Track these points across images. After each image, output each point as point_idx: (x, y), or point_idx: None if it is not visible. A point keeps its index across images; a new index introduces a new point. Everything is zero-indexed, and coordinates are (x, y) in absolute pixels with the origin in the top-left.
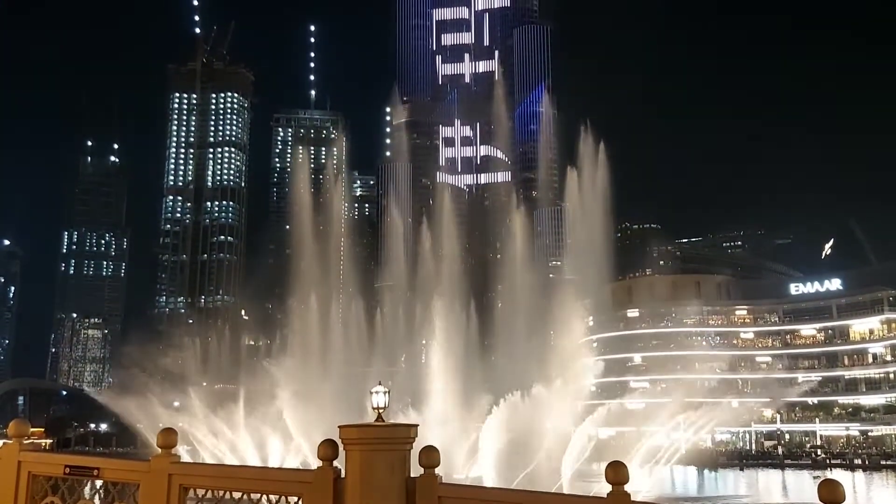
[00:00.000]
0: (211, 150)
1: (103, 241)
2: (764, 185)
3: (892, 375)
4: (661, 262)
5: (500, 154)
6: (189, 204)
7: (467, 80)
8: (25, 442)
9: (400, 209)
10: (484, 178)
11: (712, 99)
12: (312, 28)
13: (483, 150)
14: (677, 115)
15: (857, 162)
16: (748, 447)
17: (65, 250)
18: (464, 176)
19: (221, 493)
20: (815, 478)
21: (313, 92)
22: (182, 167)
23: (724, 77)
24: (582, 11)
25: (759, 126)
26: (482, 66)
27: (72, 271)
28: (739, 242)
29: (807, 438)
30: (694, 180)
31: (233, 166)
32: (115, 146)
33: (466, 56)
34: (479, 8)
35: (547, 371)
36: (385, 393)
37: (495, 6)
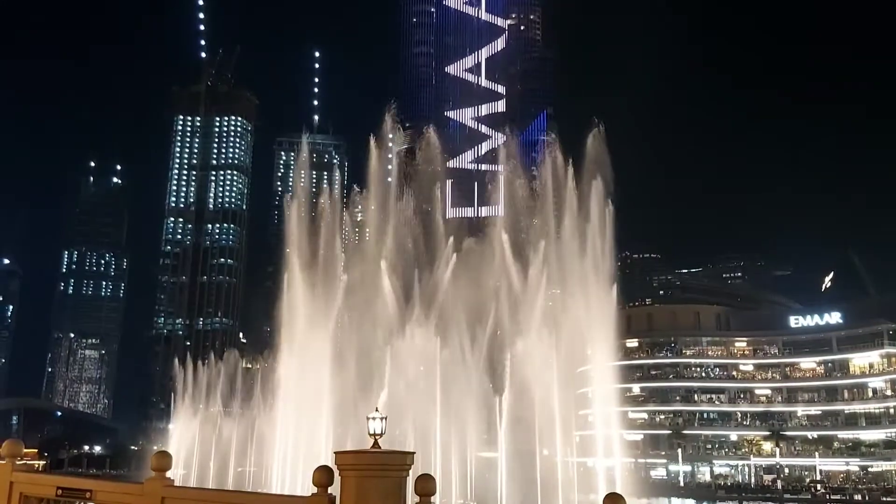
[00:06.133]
0: (213, 172)
1: (103, 262)
2: (764, 215)
3: (892, 410)
4: (661, 292)
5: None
6: (190, 226)
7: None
8: (18, 463)
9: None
10: (484, 210)
11: (714, 129)
12: (317, 53)
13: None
14: (679, 144)
15: (857, 194)
16: (747, 481)
17: (64, 270)
18: (464, 203)
19: None
20: None
21: (316, 116)
22: (184, 189)
23: (727, 106)
24: (586, 40)
25: (762, 156)
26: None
27: (70, 291)
28: (739, 273)
29: (806, 473)
30: (694, 210)
31: (234, 189)
32: (118, 167)
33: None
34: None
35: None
36: (382, 419)
37: None
